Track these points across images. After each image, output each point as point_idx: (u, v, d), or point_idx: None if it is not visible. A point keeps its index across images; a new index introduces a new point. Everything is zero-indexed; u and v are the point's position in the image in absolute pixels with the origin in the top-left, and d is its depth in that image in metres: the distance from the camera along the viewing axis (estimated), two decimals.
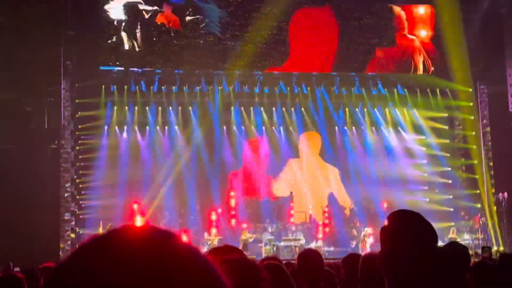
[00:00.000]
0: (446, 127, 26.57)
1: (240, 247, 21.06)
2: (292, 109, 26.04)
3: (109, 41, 23.29)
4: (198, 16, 23.76)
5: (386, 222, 2.59)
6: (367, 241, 22.91)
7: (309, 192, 25.71)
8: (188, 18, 23.80)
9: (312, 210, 25.27)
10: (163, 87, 24.74)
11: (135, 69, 23.97)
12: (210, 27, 23.78)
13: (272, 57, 24.23)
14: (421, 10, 25.36)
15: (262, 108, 25.84)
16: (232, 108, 25.63)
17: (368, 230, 23.17)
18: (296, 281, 4.65)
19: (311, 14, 24.58)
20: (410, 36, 25.10)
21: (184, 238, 1.04)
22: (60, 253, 22.27)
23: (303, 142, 26.45)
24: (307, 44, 24.40)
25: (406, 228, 2.52)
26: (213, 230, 23.46)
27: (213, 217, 24.08)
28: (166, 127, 25.42)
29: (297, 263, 4.59)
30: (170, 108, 25.18)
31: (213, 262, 0.97)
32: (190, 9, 23.77)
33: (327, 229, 24.43)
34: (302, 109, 26.03)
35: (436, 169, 26.24)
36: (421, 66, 25.07)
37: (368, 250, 22.19)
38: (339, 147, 26.29)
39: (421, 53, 25.03)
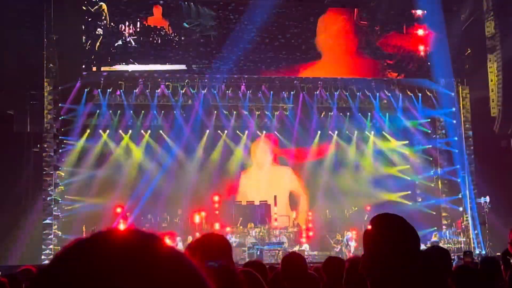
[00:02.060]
0: (429, 131, 26.71)
1: None
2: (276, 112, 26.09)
3: (89, 42, 23.25)
4: (190, 20, 23.81)
5: (369, 226, 2.60)
6: (351, 245, 23.00)
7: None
8: (179, 20, 23.88)
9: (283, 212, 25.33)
10: (147, 90, 24.63)
11: (120, 68, 23.78)
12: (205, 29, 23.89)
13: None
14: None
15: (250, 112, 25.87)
16: (216, 111, 25.59)
17: (350, 234, 23.26)
18: (280, 284, 4.66)
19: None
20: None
21: (168, 241, 1.04)
22: (42, 256, 22.15)
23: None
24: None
25: (389, 232, 2.53)
26: (197, 234, 23.39)
27: (197, 221, 24.04)
28: (150, 131, 25.32)
29: (281, 267, 4.60)
30: (154, 111, 25.08)
31: (197, 265, 0.98)
32: (183, 12, 23.86)
33: (310, 233, 24.47)
34: (286, 112, 26.04)
35: (418, 173, 26.40)
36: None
37: (351, 254, 22.29)
38: (323, 150, 26.38)
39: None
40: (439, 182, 26.41)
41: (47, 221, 22.69)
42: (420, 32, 25.21)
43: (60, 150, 23.73)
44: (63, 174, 23.88)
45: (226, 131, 25.99)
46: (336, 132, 26.51)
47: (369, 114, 26.50)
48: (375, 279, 2.52)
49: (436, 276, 3.52)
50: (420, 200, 26.37)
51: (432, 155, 26.71)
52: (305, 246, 23.24)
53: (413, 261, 2.55)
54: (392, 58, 25.11)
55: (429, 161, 26.63)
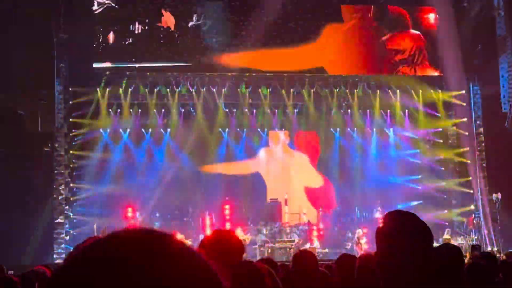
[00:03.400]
0: (440, 129, 26.61)
1: None
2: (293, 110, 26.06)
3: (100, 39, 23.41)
4: (200, 21, 23.95)
5: (381, 223, 2.59)
6: (362, 242, 22.94)
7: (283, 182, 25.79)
8: (189, 21, 24.01)
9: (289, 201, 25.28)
10: (156, 89, 24.63)
11: (130, 64, 23.85)
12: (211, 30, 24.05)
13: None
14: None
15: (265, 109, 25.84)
16: (224, 110, 25.57)
17: (361, 231, 23.19)
18: (291, 282, 4.66)
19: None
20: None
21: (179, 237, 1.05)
22: (55, 255, 22.23)
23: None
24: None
25: (401, 229, 2.52)
26: (208, 232, 23.44)
27: (208, 219, 24.08)
28: (161, 129, 25.34)
29: (292, 265, 4.60)
30: (163, 110, 25.09)
31: (209, 261, 0.98)
32: (193, 12, 24.03)
33: (321, 232, 24.40)
34: (295, 110, 26.03)
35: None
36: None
37: (363, 251, 22.25)
38: (335, 148, 26.33)
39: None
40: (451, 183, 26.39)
41: (59, 220, 22.76)
42: (430, 28, 25.17)
43: (71, 150, 23.75)
44: (74, 173, 23.92)
45: (238, 129, 25.96)
46: (356, 129, 26.46)
47: (381, 110, 26.40)
48: (388, 277, 2.51)
49: (449, 273, 3.51)
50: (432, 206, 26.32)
51: (443, 152, 26.63)
52: (316, 244, 23.18)
53: (426, 258, 2.54)
54: (403, 54, 25.08)
55: (440, 159, 26.56)
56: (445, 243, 3.60)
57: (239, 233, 22.38)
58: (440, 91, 26.06)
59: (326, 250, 23.28)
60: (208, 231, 23.44)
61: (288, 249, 22.58)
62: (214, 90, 24.97)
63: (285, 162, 26.55)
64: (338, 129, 26.44)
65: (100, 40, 23.60)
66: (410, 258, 2.48)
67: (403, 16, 25.36)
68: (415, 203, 25.82)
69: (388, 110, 26.37)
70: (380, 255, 2.53)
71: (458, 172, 26.46)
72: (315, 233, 23.99)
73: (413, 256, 2.49)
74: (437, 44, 25.03)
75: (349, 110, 26.26)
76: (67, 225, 23.06)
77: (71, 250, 2.75)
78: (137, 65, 23.96)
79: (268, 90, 25.41)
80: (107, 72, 23.91)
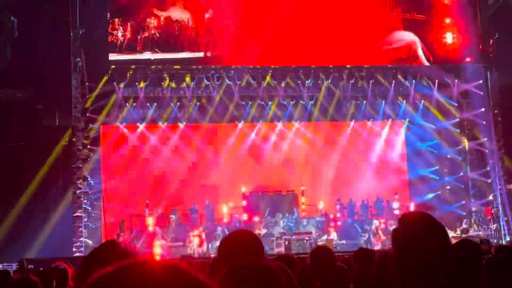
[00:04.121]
0: (457, 119, 26.42)
1: None
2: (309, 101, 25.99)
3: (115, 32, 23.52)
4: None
5: (398, 225, 2.59)
6: (380, 233, 22.90)
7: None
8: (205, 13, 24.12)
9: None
10: (171, 81, 24.63)
11: (146, 57, 23.92)
12: None
13: None
14: None
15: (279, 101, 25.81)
16: (240, 102, 25.57)
17: (377, 222, 23.14)
18: (308, 278, 4.67)
19: None
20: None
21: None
22: (74, 249, 22.40)
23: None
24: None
25: (418, 231, 2.52)
26: (225, 225, 23.54)
27: (224, 211, 24.18)
28: (178, 122, 25.39)
29: (309, 261, 4.61)
30: (179, 103, 25.10)
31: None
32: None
33: (339, 223, 24.38)
34: (311, 101, 25.96)
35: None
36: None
37: (380, 243, 22.22)
38: (352, 138, 26.25)
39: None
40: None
41: (77, 213, 22.93)
42: (448, 18, 24.99)
43: (88, 144, 23.85)
44: (91, 167, 24.05)
45: (254, 121, 25.96)
46: (372, 120, 26.37)
47: (395, 99, 26.30)
48: (405, 278, 2.51)
49: (467, 271, 3.50)
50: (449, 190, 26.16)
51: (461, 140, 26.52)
52: (333, 235, 23.17)
53: (442, 259, 2.53)
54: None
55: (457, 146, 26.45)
56: (462, 239, 3.59)
57: (258, 226, 22.53)
58: (457, 80, 25.87)
59: (344, 242, 23.29)
60: (225, 224, 23.56)
61: (305, 241, 22.59)
62: (230, 82, 24.94)
63: (302, 153, 26.52)
64: (353, 120, 26.35)
65: (116, 33, 23.67)
66: (427, 260, 2.48)
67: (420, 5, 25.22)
68: (433, 193, 25.75)
69: (404, 100, 26.21)
70: (397, 257, 2.54)
71: (476, 162, 26.31)
72: (332, 224, 23.97)
73: (430, 258, 2.49)
74: (454, 32, 24.83)
75: (364, 101, 26.13)
76: (85, 219, 23.20)
77: (87, 255, 2.78)
78: (153, 57, 24.01)
79: (285, 81, 25.32)
80: (123, 65, 23.96)
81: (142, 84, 24.36)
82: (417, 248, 2.49)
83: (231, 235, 3.17)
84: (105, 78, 23.75)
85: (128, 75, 24.14)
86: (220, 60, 24.64)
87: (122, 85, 24.17)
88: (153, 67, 24.19)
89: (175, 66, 24.42)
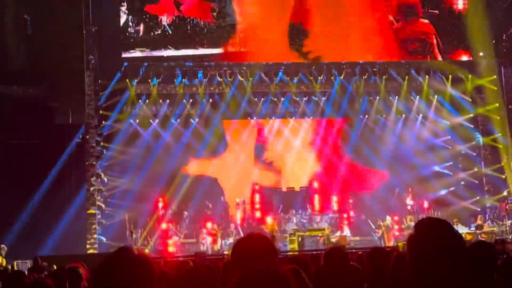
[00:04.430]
0: (471, 115, 26.24)
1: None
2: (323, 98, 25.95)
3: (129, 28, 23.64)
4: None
5: (413, 231, 2.57)
6: (395, 228, 22.79)
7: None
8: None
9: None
10: (184, 78, 24.62)
11: (159, 53, 23.98)
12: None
13: None
14: None
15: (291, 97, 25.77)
16: (253, 98, 25.53)
17: (389, 219, 23.03)
18: (322, 279, 4.65)
19: None
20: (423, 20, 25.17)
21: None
22: (87, 245, 22.50)
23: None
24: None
25: (433, 237, 2.50)
26: (239, 222, 23.58)
27: (238, 208, 24.19)
28: (191, 119, 25.38)
29: (323, 262, 4.59)
30: (191, 100, 25.08)
31: None
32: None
33: (352, 220, 24.29)
34: (323, 97, 25.88)
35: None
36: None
37: (392, 240, 22.13)
38: (366, 134, 26.15)
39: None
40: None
41: (91, 211, 23.02)
42: (460, 11, 24.90)
43: (101, 141, 23.92)
44: (105, 164, 24.10)
45: (267, 118, 25.94)
46: (385, 115, 26.26)
47: (408, 95, 26.18)
48: (421, 285, 2.49)
49: (482, 274, 3.47)
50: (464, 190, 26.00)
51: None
52: (346, 232, 23.13)
53: (457, 263, 2.51)
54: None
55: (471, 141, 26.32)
56: (477, 241, 3.56)
57: (271, 222, 22.53)
58: (470, 75, 25.71)
59: (357, 238, 23.22)
60: (239, 221, 23.59)
61: (318, 237, 22.56)
62: (243, 78, 24.91)
63: (315, 149, 26.46)
64: (366, 116, 26.25)
65: (129, 31, 23.75)
66: (442, 266, 2.46)
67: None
68: (447, 189, 25.62)
69: (418, 96, 26.07)
70: (412, 263, 2.52)
71: (490, 158, 26.15)
72: (345, 221, 23.91)
73: (446, 264, 2.47)
74: (467, 27, 24.68)
75: (377, 97, 26.02)
76: (99, 216, 23.29)
77: (100, 263, 2.77)
78: (165, 54, 24.07)
79: (297, 78, 25.25)
80: (136, 63, 24.02)
81: (154, 81, 24.36)
82: (432, 255, 2.47)
83: (244, 238, 3.16)
84: (118, 75, 23.79)
85: (141, 72, 24.16)
86: (233, 57, 24.65)
87: (135, 82, 24.18)
88: (165, 64, 24.22)
89: (188, 63, 24.44)
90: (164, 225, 23.11)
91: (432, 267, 2.46)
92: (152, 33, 23.90)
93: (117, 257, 2.50)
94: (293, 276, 2.49)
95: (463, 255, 2.54)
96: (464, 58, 25.52)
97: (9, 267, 17.93)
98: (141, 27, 23.81)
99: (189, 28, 24.24)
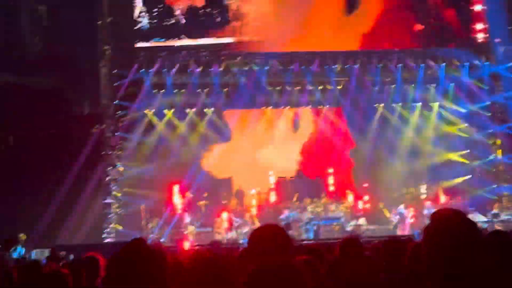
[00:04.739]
0: (488, 102, 26.01)
1: (284, 226, 21.15)
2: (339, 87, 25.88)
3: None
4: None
5: (429, 222, 2.55)
6: (407, 217, 22.68)
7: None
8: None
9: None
10: (199, 68, 24.61)
11: (173, 43, 24.01)
12: None
13: None
14: None
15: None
16: (268, 87, 25.46)
17: (403, 207, 22.87)
18: (337, 269, 4.65)
19: None
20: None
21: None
22: (104, 235, 22.64)
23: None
24: None
25: (449, 228, 2.48)
26: (253, 211, 23.59)
27: (252, 197, 24.21)
28: (205, 108, 25.37)
29: (338, 254, 4.58)
30: (206, 89, 25.06)
31: None
32: None
33: (367, 208, 24.17)
34: (339, 86, 25.79)
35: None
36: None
37: (407, 229, 22.04)
38: (380, 122, 26.02)
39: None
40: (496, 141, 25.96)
41: (107, 200, 23.15)
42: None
43: (117, 131, 24.00)
44: (121, 153, 24.18)
45: (282, 107, 25.89)
46: (401, 104, 26.11)
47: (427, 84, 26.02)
48: (437, 275, 2.48)
49: (499, 263, 3.44)
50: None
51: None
52: (362, 221, 23.05)
53: (473, 253, 2.50)
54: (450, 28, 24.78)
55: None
56: (494, 230, 3.55)
57: (286, 211, 22.53)
58: (487, 63, 25.47)
59: (373, 227, 23.14)
60: (254, 210, 23.60)
61: (333, 226, 22.54)
62: (258, 68, 24.86)
63: (330, 138, 26.35)
64: (382, 104, 26.10)
65: (143, 21, 23.77)
66: (458, 256, 2.44)
67: None
68: (463, 177, 25.45)
69: (434, 84, 25.88)
70: (429, 253, 2.50)
71: (506, 146, 25.92)
72: (360, 209, 23.82)
73: (461, 254, 2.45)
74: (485, 13, 24.47)
75: (393, 86, 25.87)
76: (116, 205, 23.41)
77: (114, 254, 2.77)
78: (179, 44, 24.09)
79: (312, 67, 25.17)
80: (151, 53, 24.05)
81: (169, 71, 24.37)
82: (449, 245, 2.45)
83: (260, 228, 3.15)
84: (134, 65, 23.83)
85: (156, 62, 24.17)
86: (247, 46, 24.61)
87: (150, 72, 24.21)
88: (180, 53, 24.22)
89: (203, 52, 24.44)
90: (179, 214, 23.18)
91: (449, 257, 2.45)
92: (165, 23, 23.91)
93: (131, 248, 2.51)
94: (306, 268, 2.49)
95: (479, 244, 2.52)
96: (480, 35, 25.26)
97: (27, 256, 18.12)
98: (155, 17, 23.81)
99: (202, 17, 24.23)
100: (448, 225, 2.48)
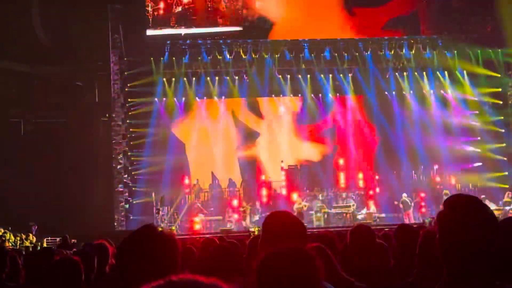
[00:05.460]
0: (499, 89, 25.85)
1: (296, 215, 21.15)
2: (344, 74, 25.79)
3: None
4: None
5: (443, 208, 2.52)
6: (411, 208, 22.57)
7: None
8: None
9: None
10: (209, 57, 24.59)
11: (183, 31, 23.99)
12: None
13: None
14: None
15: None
16: (277, 75, 25.39)
17: (405, 195, 22.78)
18: (348, 257, 4.63)
19: None
20: None
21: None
22: (115, 223, 22.71)
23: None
24: None
25: (463, 214, 2.44)
26: (265, 200, 23.59)
27: (263, 186, 24.20)
28: (215, 97, 25.36)
29: (349, 240, 4.56)
30: (216, 78, 25.04)
31: None
32: None
33: (378, 196, 24.08)
34: (350, 74, 25.71)
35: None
36: None
37: (410, 217, 21.97)
38: (391, 112, 25.90)
39: None
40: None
41: (118, 188, 23.21)
42: None
43: (128, 119, 24.05)
44: (131, 142, 24.21)
45: (290, 95, 25.84)
46: (411, 91, 26.00)
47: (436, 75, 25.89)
48: (451, 262, 2.45)
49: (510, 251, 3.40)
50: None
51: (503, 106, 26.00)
52: (373, 209, 22.99)
53: (488, 239, 2.47)
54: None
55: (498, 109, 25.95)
56: (507, 217, 3.50)
57: (298, 199, 22.45)
58: (499, 50, 25.28)
59: (383, 215, 23.09)
60: (265, 199, 23.59)
61: (344, 214, 22.51)
62: (267, 56, 24.81)
63: (341, 126, 26.27)
64: (393, 92, 26.00)
65: (154, 9, 23.74)
66: (473, 242, 2.41)
67: None
68: (474, 165, 25.33)
69: (446, 72, 25.73)
70: (442, 240, 2.47)
71: None
72: (371, 198, 23.76)
73: (476, 240, 2.42)
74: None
75: (405, 73, 25.76)
76: (126, 194, 23.49)
77: (124, 239, 2.77)
78: (188, 32, 24.07)
79: (322, 55, 25.12)
80: (160, 41, 24.04)
81: (179, 60, 24.39)
82: (463, 231, 2.42)
83: (273, 216, 3.13)
84: (143, 54, 23.85)
85: (165, 50, 24.18)
86: (256, 34, 24.56)
87: (159, 60, 24.23)
88: (189, 41, 24.23)
89: (211, 40, 24.43)
90: (190, 202, 23.24)
91: (463, 243, 2.42)
92: (173, 11, 23.87)
93: (141, 233, 2.50)
94: (318, 255, 2.47)
95: (494, 231, 2.49)
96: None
97: (39, 244, 18.23)
98: (162, 5, 23.78)
99: (209, 6, 24.20)
100: (463, 210, 2.45)
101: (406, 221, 21.30)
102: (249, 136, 25.57)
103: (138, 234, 2.51)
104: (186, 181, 23.79)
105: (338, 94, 26.05)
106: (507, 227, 3.86)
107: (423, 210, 22.85)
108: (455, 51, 25.29)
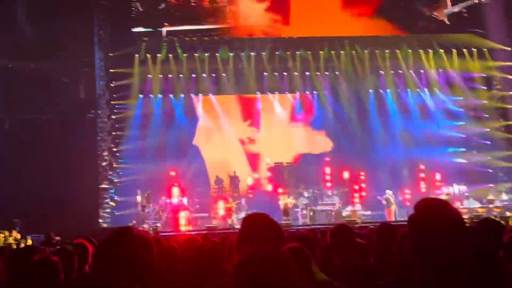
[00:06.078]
0: (484, 88, 26.03)
1: (282, 212, 21.24)
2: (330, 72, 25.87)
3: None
4: None
5: (414, 210, 2.56)
6: (393, 206, 22.64)
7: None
8: None
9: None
10: (196, 53, 24.59)
11: (169, 28, 23.96)
12: None
13: None
14: None
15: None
16: (265, 74, 25.43)
17: (390, 193, 22.84)
18: (329, 257, 4.67)
19: None
20: None
21: None
22: (100, 220, 22.63)
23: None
24: None
25: (432, 218, 2.48)
26: (250, 196, 23.61)
27: (249, 183, 24.21)
28: (201, 94, 25.35)
29: (329, 240, 4.59)
30: (203, 74, 25.03)
31: None
32: None
33: (363, 193, 24.20)
34: (337, 72, 25.78)
35: (474, 130, 25.81)
36: None
37: (392, 216, 22.09)
38: (377, 109, 25.99)
39: None
40: (495, 140, 25.85)
41: (103, 185, 23.13)
42: None
43: (113, 116, 23.99)
44: (116, 139, 24.14)
45: (274, 92, 25.86)
46: (407, 89, 26.17)
47: (422, 70, 26.01)
48: (422, 262, 2.48)
49: (487, 252, 3.44)
50: (476, 157, 25.73)
51: (487, 111, 26.12)
52: (357, 206, 23.10)
53: (456, 242, 2.50)
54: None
55: (484, 118, 26.06)
56: (484, 218, 3.54)
57: (283, 197, 22.48)
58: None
59: (368, 212, 23.18)
60: (250, 195, 23.61)
61: (329, 211, 22.58)
62: (253, 53, 24.83)
63: (329, 124, 26.29)
64: (388, 90, 26.14)
65: (139, 6, 23.68)
66: (444, 245, 2.45)
67: None
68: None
69: (442, 70, 25.94)
70: (413, 242, 2.51)
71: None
72: (356, 195, 23.85)
73: (447, 243, 2.45)
74: (484, 13, 24.56)
75: (400, 71, 25.97)
76: (112, 191, 23.41)
77: (101, 242, 2.77)
78: (175, 28, 24.05)
79: (309, 53, 25.19)
80: (146, 38, 23.99)
81: (164, 56, 24.36)
82: (431, 234, 2.45)
83: (249, 219, 3.15)
84: (129, 50, 23.79)
85: (150, 47, 24.15)
86: (241, 32, 24.57)
87: (146, 57, 24.19)
88: (173, 38, 24.20)
89: (196, 37, 24.43)
90: (176, 199, 23.17)
91: (432, 246, 2.45)
92: (157, 8, 23.82)
93: (115, 237, 2.53)
94: (295, 256, 2.49)
95: (462, 233, 2.52)
96: None
97: (23, 242, 18.15)
98: (147, 2, 23.75)
99: (193, 2, 24.18)
100: (431, 214, 2.48)
101: (388, 219, 21.45)
102: (238, 133, 25.58)
103: (113, 238, 2.53)
104: (172, 177, 23.73)
105: (330, 92, 26.08)
106: (483, 228, 3.92)
107: (408, 203, 22.91)
108: (453, 49, 25.51)
